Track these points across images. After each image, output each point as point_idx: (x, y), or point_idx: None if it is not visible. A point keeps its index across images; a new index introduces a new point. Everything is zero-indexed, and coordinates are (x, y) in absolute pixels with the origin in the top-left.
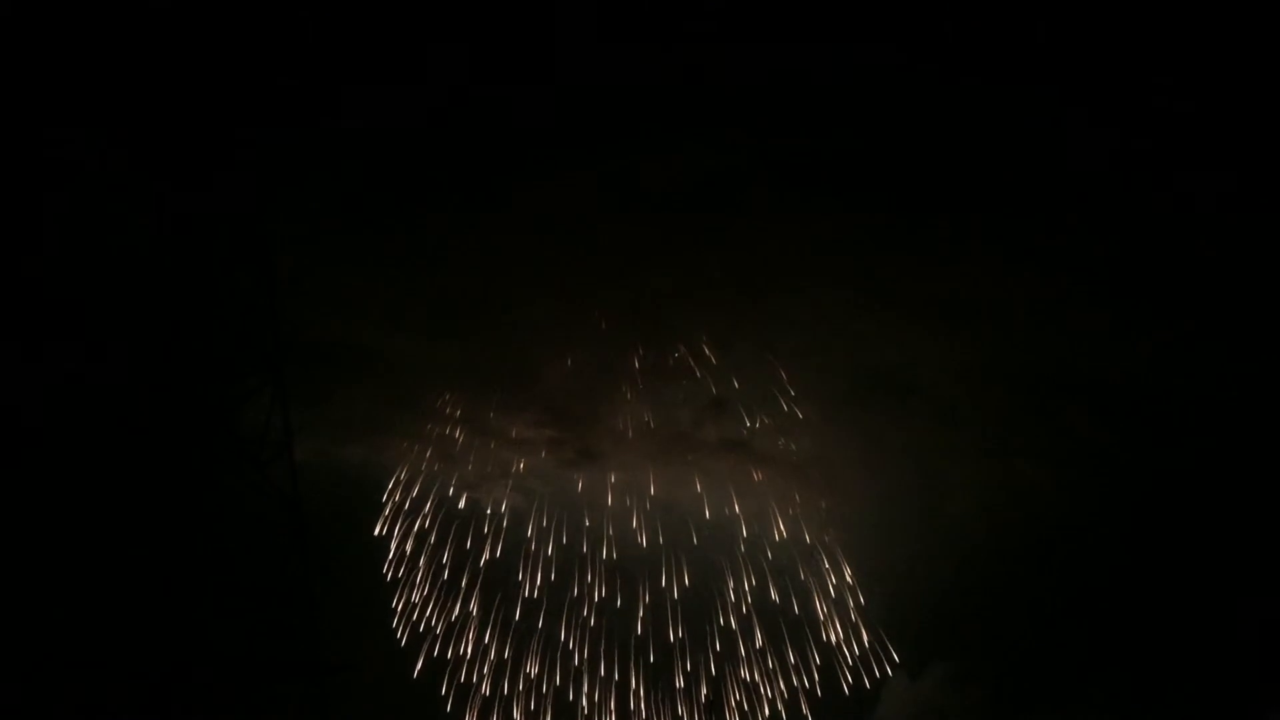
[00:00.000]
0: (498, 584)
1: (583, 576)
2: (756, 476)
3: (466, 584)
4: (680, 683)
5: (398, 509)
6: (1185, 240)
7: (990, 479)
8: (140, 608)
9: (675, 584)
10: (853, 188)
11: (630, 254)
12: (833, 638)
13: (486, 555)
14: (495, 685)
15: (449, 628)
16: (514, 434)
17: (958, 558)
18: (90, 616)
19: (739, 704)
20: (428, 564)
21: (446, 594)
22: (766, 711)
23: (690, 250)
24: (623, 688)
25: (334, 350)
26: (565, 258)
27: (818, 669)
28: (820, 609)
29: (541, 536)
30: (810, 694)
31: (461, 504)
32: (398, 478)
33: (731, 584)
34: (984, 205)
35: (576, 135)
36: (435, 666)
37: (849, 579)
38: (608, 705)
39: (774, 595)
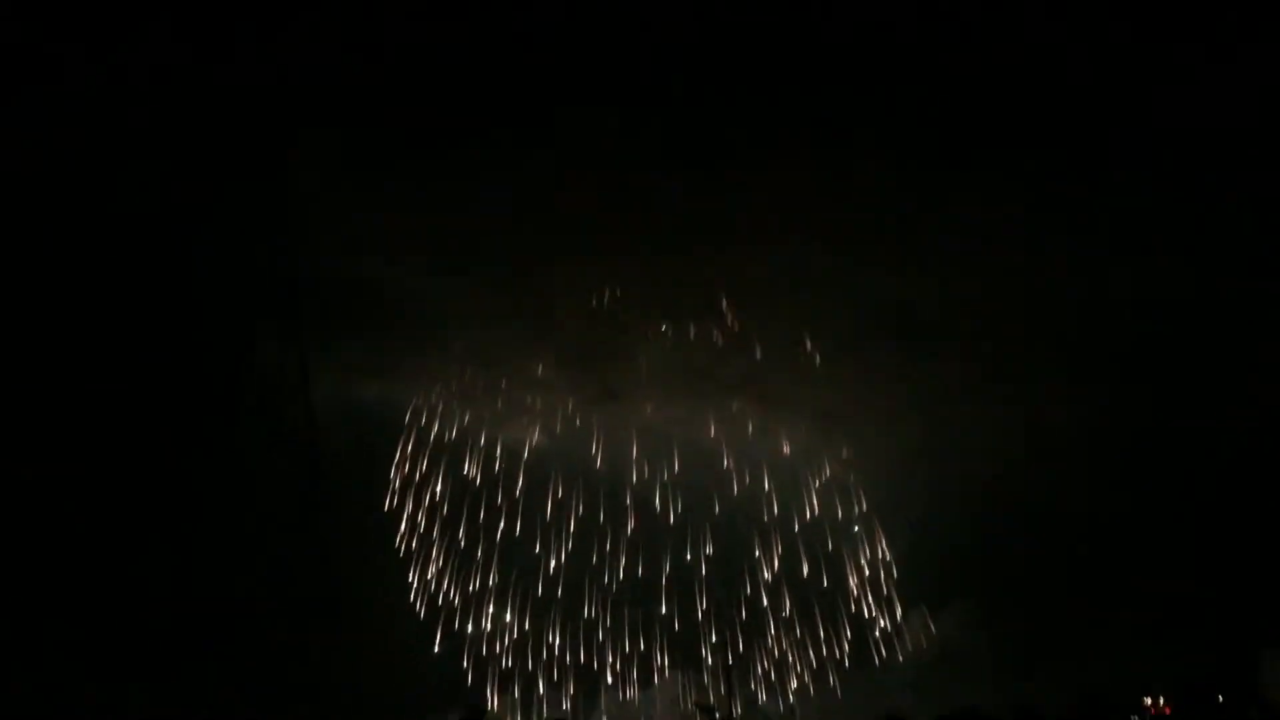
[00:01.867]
0: (516, 549)
1: (605, 528)
2: (784, 445)
3: (483, 553)
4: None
5: (408, 478)
6: (1205, 174)
7: (1014, 421)
8: (157, 544)
9: (700, 546)
10: (875, 135)
11: (654, 200)
12: (866, 612)
13: (503, 525)
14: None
15: (467, 599)
16: (535, 373)
17: (979, 498)
18: (105, 552)
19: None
20: (442, 533)
21: (463, 564)
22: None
23: (713, 196)
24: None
25: (353, 289)
26: (589, 201)
27: (848, 633)
28: (852, 582)
29: (563, 491)
30: (836, 659)
31: (474, 471)
32: (404, 450)
33: (758, 551)
34: (1003, 144)
35: (603, 80)
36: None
37: (883, 551)
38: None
39: (804, 564)
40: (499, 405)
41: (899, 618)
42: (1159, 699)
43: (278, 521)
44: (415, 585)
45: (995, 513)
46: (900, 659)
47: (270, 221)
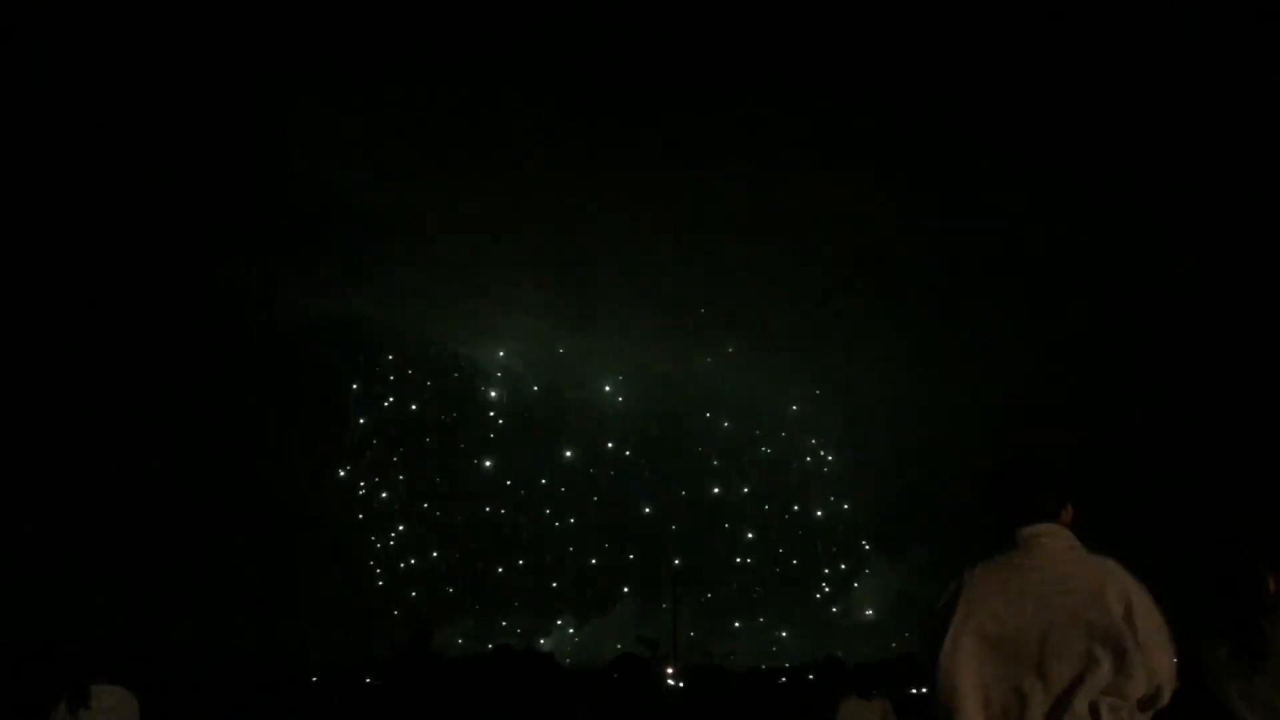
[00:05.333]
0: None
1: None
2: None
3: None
4: None
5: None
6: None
7: (986, 368)
8: (114, 451)
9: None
10: (858, 63)
11: (627, 118)
12: (827, 568)
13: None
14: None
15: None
16: (504, 294)
17: (944, 444)
18: (65, 458)
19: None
20: (404, 503)
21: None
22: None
23: (690, 117)
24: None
25: (320, 201)
26: (564, 118)
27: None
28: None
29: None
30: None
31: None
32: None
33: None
34: (990, 82)
35: None
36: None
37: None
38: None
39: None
40: (470, 331)
41: (855, 570)
42: None
43: (238, 435)
44: (376, 545)
45: (963, 466)
46: (852, 608)
47: (235, 127)
